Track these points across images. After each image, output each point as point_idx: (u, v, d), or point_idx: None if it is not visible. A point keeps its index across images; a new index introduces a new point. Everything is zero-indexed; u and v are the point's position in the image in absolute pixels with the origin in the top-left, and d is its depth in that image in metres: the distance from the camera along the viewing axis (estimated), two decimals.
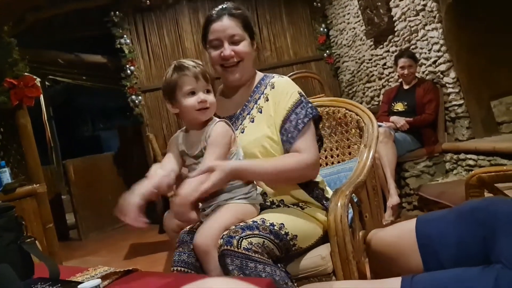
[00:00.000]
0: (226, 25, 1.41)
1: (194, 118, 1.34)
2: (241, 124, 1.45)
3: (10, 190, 2.73)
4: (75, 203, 5.37)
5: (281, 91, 1.43)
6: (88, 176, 5.58)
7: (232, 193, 1.31)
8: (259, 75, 1.54)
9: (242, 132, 1.43)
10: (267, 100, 1.44)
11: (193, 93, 1.33)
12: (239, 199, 1.31)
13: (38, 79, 2.98)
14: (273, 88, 1.46)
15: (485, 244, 0.92)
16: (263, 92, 1.47)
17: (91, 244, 4.97)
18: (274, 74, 1.53)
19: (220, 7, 1.46)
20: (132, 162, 5.85)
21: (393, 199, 3.28)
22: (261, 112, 1.43)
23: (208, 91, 1.34)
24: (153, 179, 1.27)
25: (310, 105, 1.42)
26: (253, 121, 1.43)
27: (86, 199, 5.46)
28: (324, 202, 1.46)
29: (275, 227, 1.25)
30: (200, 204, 1.32)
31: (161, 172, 1.30)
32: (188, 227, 1.38)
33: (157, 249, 3.88)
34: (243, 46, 1.43)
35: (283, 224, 1.27)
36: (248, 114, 1.45)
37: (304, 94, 1.45)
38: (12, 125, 3.00)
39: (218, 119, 1.36)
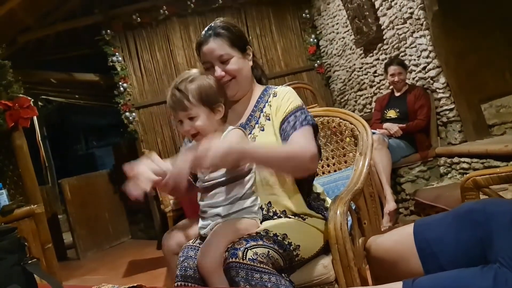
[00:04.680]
0: (212, 47, 1.43)
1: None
2: (250, 133, 1.47)
3: (8, 211, 2.73)
4: (72, 222, 5.35)
5: (282, 97, 1.46)
6: (84, 195, 5.57)
7: (233, 205, 1.33)
8: (260, 87, 1.57)
9: (254, 141, 1.45)
10: (271, 107, 1.48)
11: (180, 121, 1.37)
12: (239, 213, 1.33)
13: (31, 100, 2.98)
14: (275, 96, 1.49)
15: (482, 245, 0.95)
16: (267, 101, 1.50)
17: (90, 263, 4.94)
18: (277, 86, 1.56)
19: (207, 27, 1.49)
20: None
21: (390, 205, 3.30)
22: (269, 120, 1.46)
23: (191, 118, 1.34)
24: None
25: (310, 114, 1.44)
26: (263, 130, 1.46)
27: (82, 218, 5.44)
28: (325, 213, 1.48)
29: (279, 237, 1.27)
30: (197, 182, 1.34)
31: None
32: (191, 241, 1.39)
33: (156, 265, 3.87)
34: (232, 64, 1.44)
35: (286, 235, 1.29)
36: (256, 123, 1.48)
37: (304, 105, 1.48)
38: (8, 146, 3.00)
39: (232, 127, 1.39)
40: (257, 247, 1.19)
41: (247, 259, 1.16)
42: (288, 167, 1.31)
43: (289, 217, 1.42)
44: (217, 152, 1.12)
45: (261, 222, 1.38)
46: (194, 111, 1.33)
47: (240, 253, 1.17)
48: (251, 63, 1.53)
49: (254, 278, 1.15)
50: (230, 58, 1.45)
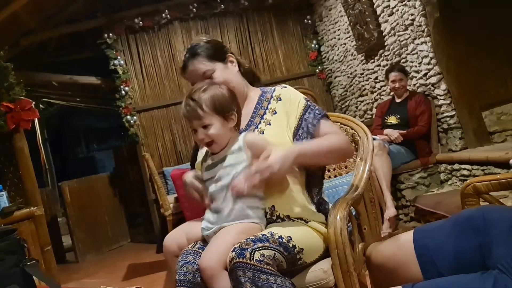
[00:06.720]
0: (193, 69, 1.51)
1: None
2: None
3: (8, 213, 2.72)
4: (71, 225, 5.34)
5: (289, 101, 1.50)
6: (84, 198, 5.56)
7: (239, 217, 1.33)
8: (256, 90, 1.60)
9: None
10: (275, 113, 1.50)
11: (194, 130, 1.39)
12: (243, 219, 1.33)
13: (33, 102, 2.99)
14: (279, 100, 1.52)
15: (482, 251, 0.95)
16: (267, 107, 1.52)
17: (88, 266, 4.93)
18: (273, 87, 1.58)
19: (184, 52, 1.55)
20: (128, 182, 5.85)
21: (390, 211, 3.29)
22: (270, 124, 1.49)
23: (205, 127, 1.36)
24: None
25: (316, 107, 1.49)
26: (262, 133, 1.48)
27: (82, 221, 5.44)
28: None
29: (284, 240, 1.27)
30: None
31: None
32: (190, 245, 1.39)
33: (155, 269, 3.86)
34: (217, 77, 1.49)
35: (291, 237, 1.30)
36: (256, 128, 1.50)
37: (308, 98, 1.52)
38: (9, 148, 3.00)
39: (244, 133, 1.43)
40: (264, 249, 1.20)
41: (254, 260, 1.17)
42: (331, 157, 1.48)
43: (293, 220, 1.42)
44: (277, 159, 1.27)
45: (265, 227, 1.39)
46: (207, 119, 1.36)
47: (247, 254, 1.17)
48: (236, 68, 1.57)
49: (261, 280, 1.16)
50: (213, 71, 1.50)
